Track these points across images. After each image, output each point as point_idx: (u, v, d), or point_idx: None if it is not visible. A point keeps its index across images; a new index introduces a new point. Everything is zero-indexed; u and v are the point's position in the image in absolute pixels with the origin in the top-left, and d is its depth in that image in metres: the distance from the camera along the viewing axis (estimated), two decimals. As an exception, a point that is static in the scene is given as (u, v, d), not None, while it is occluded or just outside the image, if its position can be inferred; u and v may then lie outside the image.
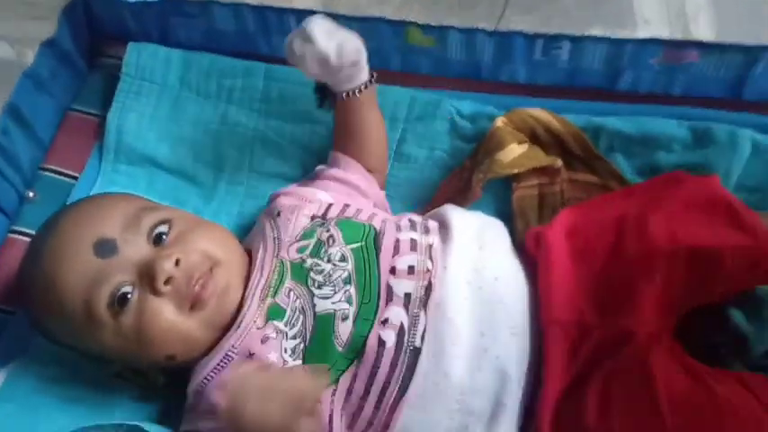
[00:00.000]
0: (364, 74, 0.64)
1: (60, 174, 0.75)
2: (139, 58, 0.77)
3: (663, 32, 1.00)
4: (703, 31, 0.99)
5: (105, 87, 0.78)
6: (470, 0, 0.99)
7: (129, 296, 0.53)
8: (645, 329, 0.52)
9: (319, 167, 0.69)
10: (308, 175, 0.70)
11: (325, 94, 0.67)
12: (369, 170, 0.68)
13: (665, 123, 0.70)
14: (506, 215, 0.69)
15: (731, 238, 0.53)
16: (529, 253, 0.60)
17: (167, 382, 0.60)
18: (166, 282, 0.53)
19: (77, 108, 0.78)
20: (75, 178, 0.74)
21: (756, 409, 0.49)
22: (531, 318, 0.55)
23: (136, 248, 0.54)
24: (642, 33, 0.98)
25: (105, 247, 0.53)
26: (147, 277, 0.53)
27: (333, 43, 0.60)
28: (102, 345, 0.55)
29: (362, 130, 0.67)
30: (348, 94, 0.64)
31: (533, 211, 0.68)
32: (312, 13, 0.73)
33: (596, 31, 0.77)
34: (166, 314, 0.53)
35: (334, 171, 0.67)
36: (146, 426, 0.52)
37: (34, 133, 0.73)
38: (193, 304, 0.54)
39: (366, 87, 0.65)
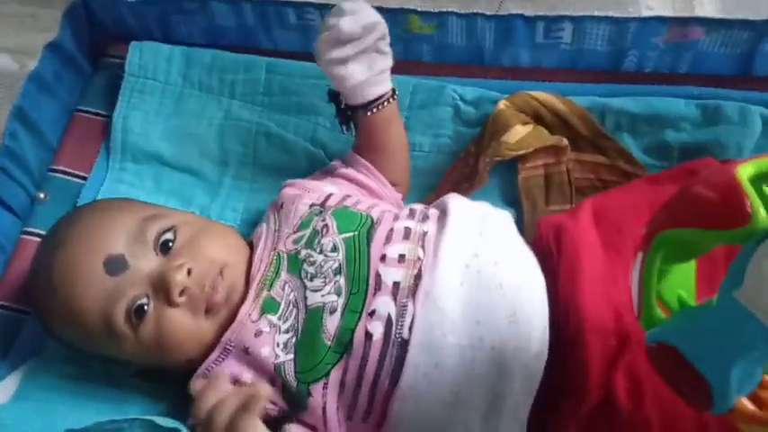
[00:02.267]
0: (386, 85, 0.64)
1: (69, 174, 0.76)
2: (141, 56, 0.77)
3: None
4: (709, 14, 0.97)
5: (110, 87, 0.79)
6: (472, -11, 0.98)
7: (145, 307, 0.54)
8: None
9: (334, 163, 0.69)
10: (320, 169, 0.70)
11: (347, 115, 0.66)
12: (390, 182, 0.67)
13: (673, 102, 0.69)
14: (513, 199, 0.68)
15: None
16: (544, 243, 0.57)
17: (182, 379, 0.60)
18: (181, 293, 0.54)
19: (83, 109, 0.79)
20: (85, 178, 0.75)
21: None
22: (539, 305, 0.52)
23: (145, 261, 0.55)
24: (646, 17, 0.97)
25: (115, 265, 0.54)
26: (161, 290, 0.54)
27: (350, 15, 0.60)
28: (123, 353, 0.57)
29: (386, 147, 0.67)
30: (371, 110, 0.63)
31: (540, 191, 0.67)
32: (311, 6, 0.73)
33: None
34: (184, 322, 0.55)
35: (348, 171, 0.66)
36: (157, 420, 0.53)
37: (42, 135, 0.74)
38: (208, 309, 0.55)
39: (388, 102, 0.64)
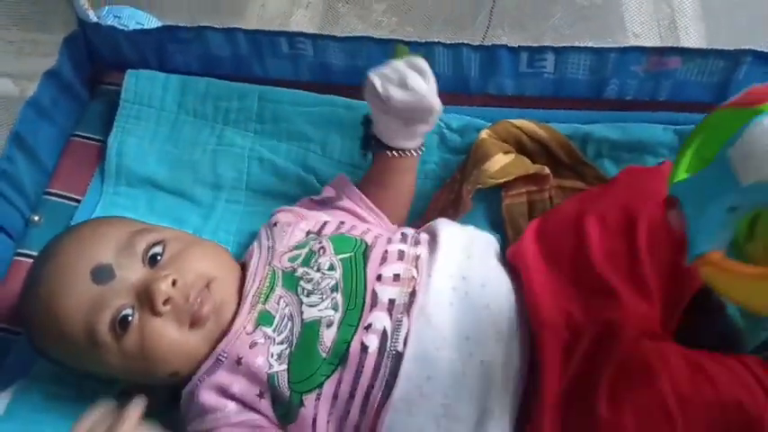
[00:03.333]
0: (417, 142, 0.66)
1: (64, 197, 0.77)
2: (138, 84, 0.79)
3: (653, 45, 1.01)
4: (694, 44, 0.99)
5: (106, 114, 0.81)
6: (461, 21, 1.01)
7: (129, 318, 0.55)
8: (632, 322, 0.52)
9: (328, 193, 0.70)
10: (315, 197, 0.71)
11: (371, 144, 0.67)
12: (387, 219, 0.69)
13: (651, 129, 0.71)
14: (498, 224, 0.70)
15: None
16: (511, 264, 0.61)
17: (172, 397, 0.61)
18: (165, 302, 0.54)
19: (80, 134, 0.81)
20: (79, 201, 0.77)
21: (756, 389, 0.48)
22: (519, 324, 0.56)
23: (132, 271, 0.55)
24: (632, 46, 0.99)
25: (102, 273, 0.55)
26: (146, 299, 0.54)
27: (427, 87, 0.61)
28: (107, 366, 0.57)
29: (395, 189, 0.68)
30: (397, 152, 0.65)
31: (523, 219, 0.69)
32: (303, 35, 0.76)
33: (586, 47, 0.78)
34: (168, 333, 0.55)
35: (345, 203, 0.68)
36: None
37: (38, 159, 0.76)
38: (193, 322, 0.56)
39: (412, 154, 0.66)
